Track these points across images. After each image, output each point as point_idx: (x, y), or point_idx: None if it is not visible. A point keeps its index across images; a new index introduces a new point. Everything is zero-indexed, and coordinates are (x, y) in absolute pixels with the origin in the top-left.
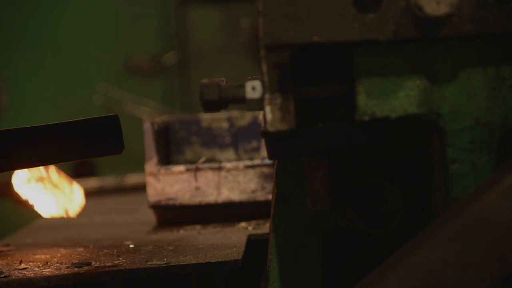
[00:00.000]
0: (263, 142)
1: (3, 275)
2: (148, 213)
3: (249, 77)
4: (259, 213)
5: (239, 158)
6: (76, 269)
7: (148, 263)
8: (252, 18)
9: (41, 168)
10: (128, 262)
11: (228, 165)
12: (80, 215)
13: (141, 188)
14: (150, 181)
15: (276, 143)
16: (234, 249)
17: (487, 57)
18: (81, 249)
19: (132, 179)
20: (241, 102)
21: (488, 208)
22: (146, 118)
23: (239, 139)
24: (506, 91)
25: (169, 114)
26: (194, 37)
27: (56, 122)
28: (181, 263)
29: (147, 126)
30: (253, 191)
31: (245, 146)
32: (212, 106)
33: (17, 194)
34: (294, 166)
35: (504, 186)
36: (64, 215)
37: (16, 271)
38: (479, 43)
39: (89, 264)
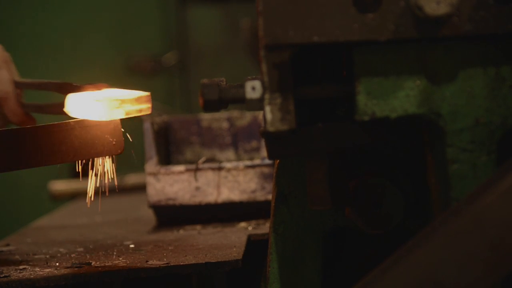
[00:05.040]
0: (263, 142)
1: (3, 275)
2: (148, 213)
3: (249, 77)
4: (259, 213)
5: (239, 158)
6: (76, 269)
7: (148, 263)
8: (252, 18)
9: None
10: (128, 262)
11: (228, 165)
12: (80, 215)
13: (141, 188)
14: (150, 181)
15: (276, 143)
16: (234, 249)
17: (487, 57)
18: (81, 249)
19: (132, 179)
20: (241, 102)
21: (488, 208)
22: (146, 118)
23: (239, 139)
24: (506, 91)
25: (169, 114)
26: (194, 37)
27: (56, 122)
28: (181, 263)
29: (147, 126)
30: (253, 191)
31: (245, 146)
32: (212, 106)
33: None
34: (294, 166)
35: (504, 186)
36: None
37: (16, 271)
38: (479, 43)
39: (89, 264)
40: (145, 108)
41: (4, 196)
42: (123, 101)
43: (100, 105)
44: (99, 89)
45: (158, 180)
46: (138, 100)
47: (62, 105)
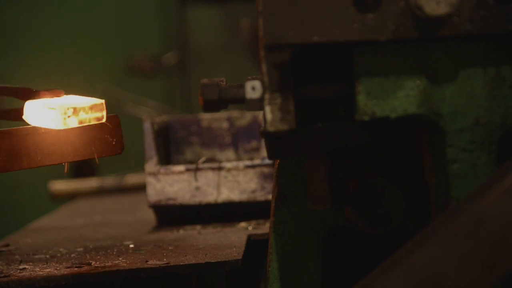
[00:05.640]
0: (263, 142)
1: (3, 275)
2: (148, 213)
3: (249, 77)
4: (259, 213)
5: (239, 158)
6: (76, 269)
7: (148, 263)
8: (252, 18)
9: None
10: (128, 262)
11: (228, 165)
12: (80, 215)
13: (141, 188)
14: (150, 181)
15: (276, 143)
16: (234, 249)
17: (487, 57)
18: (81, 249)
19: (132, 179)
20: (241, 102)
21: (488, 208)
22: (146, 118)
23: (239, 139)
24: (506, 91)
25: (169, 114)
26: (194, 37)
27: None
28: (181, 263)
29: (147, 126)
30: (253, 191)
31: (245, 146)
32: (212, 106)
33: None
34: (294, 166)
35: (504, 186)
36: None
37: (16, 271)
38: (479, 43)
39: (89, 264)
40: (99, 116)
41: (4, 196)
42: (77, 109)
43: (53, 113)
44: (57, 95)
45: (158, 180)
46: (92, 108)
47: (20, 111)
